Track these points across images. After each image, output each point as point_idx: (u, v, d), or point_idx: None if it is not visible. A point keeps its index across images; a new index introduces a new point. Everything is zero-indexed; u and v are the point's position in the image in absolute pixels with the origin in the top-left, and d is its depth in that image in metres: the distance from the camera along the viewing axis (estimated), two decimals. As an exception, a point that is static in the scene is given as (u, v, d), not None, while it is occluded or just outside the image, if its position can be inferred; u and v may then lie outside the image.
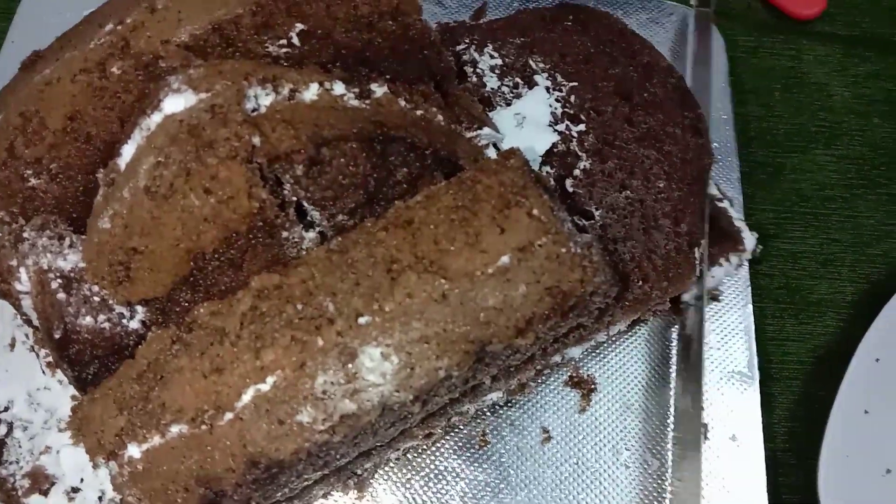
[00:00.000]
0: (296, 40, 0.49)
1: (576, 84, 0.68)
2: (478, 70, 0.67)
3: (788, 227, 0.80)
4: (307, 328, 0.41)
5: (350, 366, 0.41)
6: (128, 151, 0.45)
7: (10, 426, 0.54)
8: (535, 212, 0.44)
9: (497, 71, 0.67)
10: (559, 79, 0.68)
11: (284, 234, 0.48)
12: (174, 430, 0.42)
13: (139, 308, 0.48)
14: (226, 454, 0.41)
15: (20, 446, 0.54)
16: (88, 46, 0.47)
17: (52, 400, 0.55)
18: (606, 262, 0.51)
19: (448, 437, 0.65)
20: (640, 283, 0.61)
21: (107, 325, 0.46)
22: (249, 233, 0.45)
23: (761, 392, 0.68)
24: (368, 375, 0.41)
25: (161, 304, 0.48)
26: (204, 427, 0.42)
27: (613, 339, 0.70)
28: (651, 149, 0.66)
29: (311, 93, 0.46)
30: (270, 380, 0.41)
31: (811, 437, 0.66)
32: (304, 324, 0.41)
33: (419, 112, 0.51)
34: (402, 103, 0.51)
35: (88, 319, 0.45)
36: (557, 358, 0.64)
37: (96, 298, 0.46)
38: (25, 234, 0.47)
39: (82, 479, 0.53)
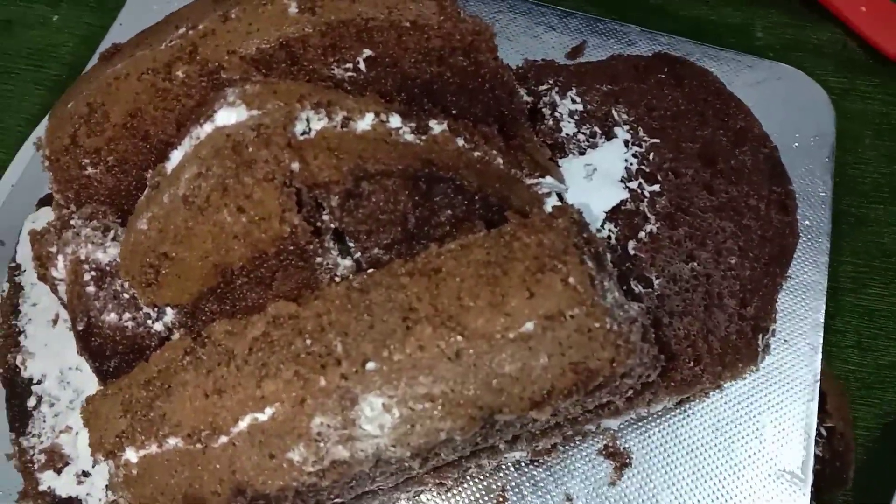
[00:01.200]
0: (362, 66, 0.48)
1: (658, 141, 0.64)
2: (556, 113, 0.64)
3: (867, 282, 0.75)
4: (312, 365, 0.40)
5: (349, 412, 0.39)
6: (176, 157, 0.45)
7: (39, 399, 0.56)
8: (570, 280, 0.41)
9: (576, 117, 0.64)
10: (641, 133, 0.64)
11: (318, 259, 0.47)
12: (171, 442, 0.42)
13: (168, 311, 0.48)
14: (214, 477, 0.41)
15: (44, 421, 0.55)
16: (159, 47, 0.48)
17: (82, 381, 0.56)
18: (650, 341, 0.47)
19: (465, 486, 0.63)
20: (692, 363, 0.57)
21: (130, 323, 0.46)
22: (279, 255, 0.44)
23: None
24: (366, 425, 0.39)
25: (189, 311, 0.48)
26: (198, 445, 0.41)
27: (659, 413, 0.66)
28: (728, 221, 0.62)
29: (364, 122, 0.45)
30: (269, 411, 0.40)
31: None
32: (311, 360, 0.40)
33: (477, 153, 0.49)
34: (461, 143, 0.49)
35: (113, 316, 0.46)
36: (591, 426, 0.61)
37: (126, 295, 0.46)
38: (72, 222, 0.48)
39: (94, 465, 0.53)
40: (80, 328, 0.46)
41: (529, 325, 0.40)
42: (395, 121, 0.46)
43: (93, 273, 0.46)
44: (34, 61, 0.83)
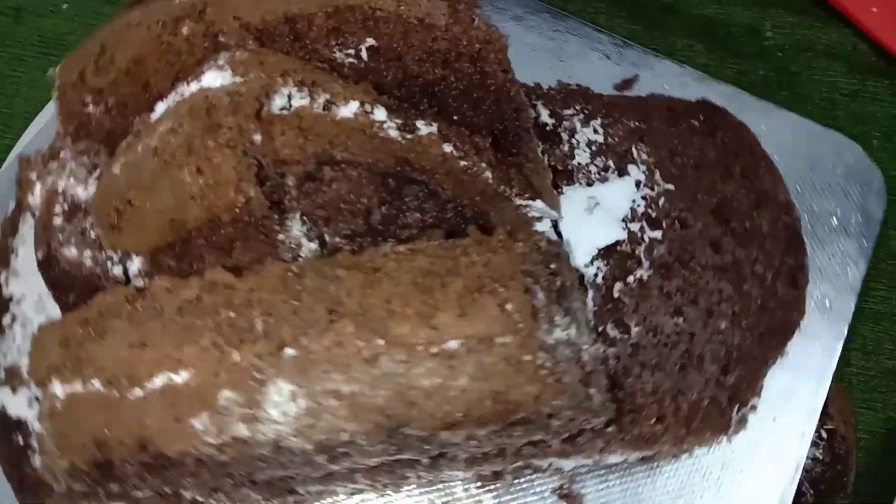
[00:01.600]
0: (364, 54, 0.48)
1: (672, 188, 0.61)
2: (573, 140, 0.62)
3: (873, 285, 0.73)
4: (231, 339, 0.39)
5: (256, 392, 0.39)
6: (160, 109, 0.46)
7: (14, 318, 0.58)
8: (508, 306, 0.40)
9: (593, 147, 0.62)
10: (657, 176, 0.62)
11: (280, 237, 0.47)
12: (94, 384, 0.42)
13: (135, 259, 0.49)
14: (124, 427, 0.41)
15: (14, 340, 0.57)
16: (174, 1, 0.49)
17: (56, 310, 0.57)
18: (597, 386, 0.45)
19: (409, 496, 0.62)
20: (653, 421, 0.55)
21: (89, 261, 0.47)
22: (235, 224, 0.44)
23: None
24: (271, 409, 0.39)
25: (152, 263, 0.48)
26: (116, 393, 0.41)
27: (623, 466, 0.63)
28: (728, 283, 0.59)
29: (347, 109, 0.45)
30: (183, 374, 0.40)
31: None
32: (231, 333, 0.40)
33: (463, 163, 0.48)
34: (448, 149, 0.48)
35: (73, 251, 0.47)
36: (541, 463, 0.59)
37: (92, 235, 0.47)
38: (62, 154, 0.49)
39: (42, 392, 0.55)
40: (39, 257, 0.47)
41: (453, 344, 0.39)
42: (380, 113, 0.45)
43: (65, 206, 0.47)
44: (43, 49, 0.83)
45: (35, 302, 0.58)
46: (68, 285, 0.48)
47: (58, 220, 0.47)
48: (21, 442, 0.54)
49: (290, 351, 0.39)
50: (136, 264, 0.50)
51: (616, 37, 0.83)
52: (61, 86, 0.51)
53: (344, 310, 0.39)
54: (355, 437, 0.39)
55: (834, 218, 0.75)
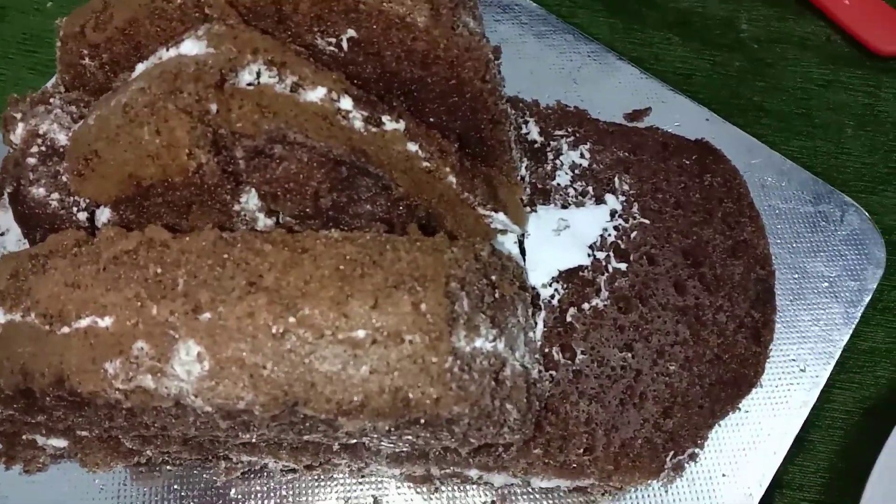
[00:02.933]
0: (345, 45, 0.49)
1: (648, 223, 0.61)
2: (557, 161, 0.63)
3: None
4: (152, 294, 0.41)
5: (167, 348, 0.40)
6: (139, 70, 0.48)
7: (-5, 250, 0.61)
8: (422, 306, 0.40)
9: (576, 171, 0.62)
10: (634, 209, 0.61)
11: (236, 208, 0.48)
12: (30, 316, 0.44)
13: (105, 208, 0.51)
14: (47, 360, 0.43)
15: (-8, 270, 0.60)
16: (176, -30, 0.50)
17: (35, 247, 0.60)
18: (516, 404, 0.45)
19: (338, 487, 0.63)
20: (582, 451, 0.54)
21: (55, 203, 0.49)
22: (188, 188, 0.45)
23: (800, 439, 0.64)
24: (177, 366, 0.40)
25: (119, 215, 0.50)
26: (46, 327, 0.43)
27: (557, 494, 0.63)
28: (686, 326, 0.58)
29: (314, 94, 0.46)
30: (107, 319, 0.42)
31: (849, 494, 0.63)
32: (154, 288, 0.41)
33: (426, 164, 0.49)
34: (413, 148, 0.49)
35: (41, 191, 0.49)
36: (470, 473, 0.59)
37: (64, 178, 0.50)
38: (53, 100, 0.52)
39: None
40: (8, 191, 0.50)
41: (361, 333, 0.40)
42: (346, 103, 0.46)
43: (42, 148, 0.50)
44: (29, 46, 0.85)
45: (17, 237, 0.61)
46: (34, 224, 0.50)
47: (32, 160, 0.49)
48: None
49: (205, 314, 0.40)
50: (105, 215, 0.52)
51: (637, 66, 0.83)
52: (64, 36, 0.54)
53: (261, 283, 0.40)
54: (252, 406, 0.40)
55: (826, 282, 0.73)
